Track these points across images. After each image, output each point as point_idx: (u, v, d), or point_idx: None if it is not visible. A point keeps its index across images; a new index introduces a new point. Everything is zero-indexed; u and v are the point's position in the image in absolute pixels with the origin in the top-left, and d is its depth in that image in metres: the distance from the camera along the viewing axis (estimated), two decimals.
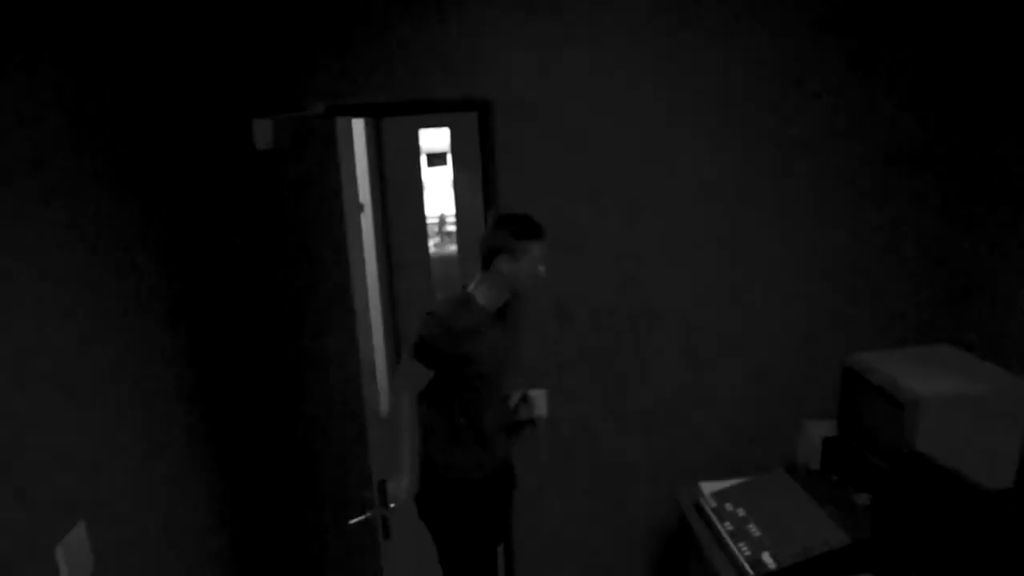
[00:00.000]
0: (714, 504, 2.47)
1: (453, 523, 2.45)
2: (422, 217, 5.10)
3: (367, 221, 4.60)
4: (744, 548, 2.23)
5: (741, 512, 2.39)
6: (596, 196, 2.78)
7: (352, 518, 2.00)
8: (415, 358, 2.37)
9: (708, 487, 2.63)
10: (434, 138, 5.98)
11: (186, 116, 2.48)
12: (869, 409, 2.44)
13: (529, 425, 2.72)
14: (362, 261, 1.87)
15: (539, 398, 2.80)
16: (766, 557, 2.17)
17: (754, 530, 2.29)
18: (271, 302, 2.56)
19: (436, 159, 6.13)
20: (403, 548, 2.49)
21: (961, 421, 2.22)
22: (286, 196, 2.18)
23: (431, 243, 5.23)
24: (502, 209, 2.76)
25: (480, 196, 5.46)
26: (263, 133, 2.15)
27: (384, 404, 4.76)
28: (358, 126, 4.40)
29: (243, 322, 2.71)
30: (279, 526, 2.93)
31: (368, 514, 1.99)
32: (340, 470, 2.20)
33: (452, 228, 6.71)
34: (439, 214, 6.89)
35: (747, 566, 2.16)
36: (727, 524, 2.36)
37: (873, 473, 2.37)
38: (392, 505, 2.07)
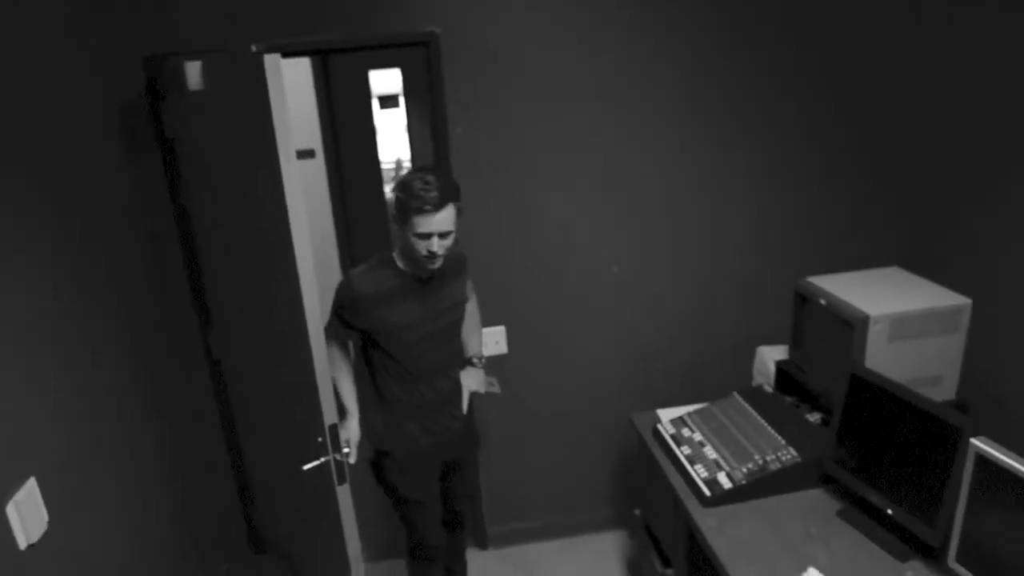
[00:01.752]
0: (672, 430, 2.52)
1: (398, 490, 2.39)
2: (376, 162, 4.98)
3: (319, 167, 4.49)
4: (701, 470, 2.30)
5: (698, 436, 2.45)
6: (547, 135, 2.73)
7: (306, 464, 2.00)
8: (333, 314, 2.25)
9: (665, 414, 2.69)
10: (385, 80, 5.80)
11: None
12: (820, 331, 2.50)
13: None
14: (303, 208, 1.82)
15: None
16: (722, 477, 2.24)
17: (710, 452, 2.36)
18: (214, 252, 2.50)
19: (388, 101, 5.96)
20: (366, 496, 2.50)
21: (906, 338, 2.28)
22: (219, 140, 2.11)
23: (387, 189, 5.14)
24: (440, 160, 2.66)
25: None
26: (193, 74, 2.06)
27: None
28: (303, 66, 4.24)
29: (188, 272, 2.66)
30: (236, 478, 2.94)
31: (322, 459, 1.99)
32: (294, 419, 2.19)
33: None
34: (395, 159, 6.75)
35: (704, 487, 2.23)
36: (684, 448, 2.42)
37: (824, 392, 2.43)
38: (346, 450, 2.07)
